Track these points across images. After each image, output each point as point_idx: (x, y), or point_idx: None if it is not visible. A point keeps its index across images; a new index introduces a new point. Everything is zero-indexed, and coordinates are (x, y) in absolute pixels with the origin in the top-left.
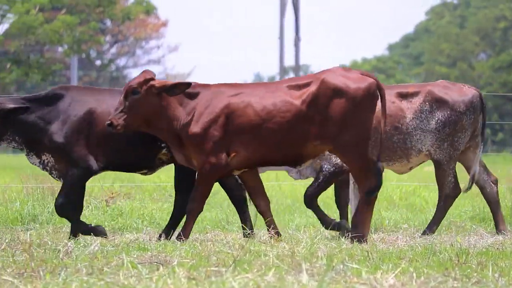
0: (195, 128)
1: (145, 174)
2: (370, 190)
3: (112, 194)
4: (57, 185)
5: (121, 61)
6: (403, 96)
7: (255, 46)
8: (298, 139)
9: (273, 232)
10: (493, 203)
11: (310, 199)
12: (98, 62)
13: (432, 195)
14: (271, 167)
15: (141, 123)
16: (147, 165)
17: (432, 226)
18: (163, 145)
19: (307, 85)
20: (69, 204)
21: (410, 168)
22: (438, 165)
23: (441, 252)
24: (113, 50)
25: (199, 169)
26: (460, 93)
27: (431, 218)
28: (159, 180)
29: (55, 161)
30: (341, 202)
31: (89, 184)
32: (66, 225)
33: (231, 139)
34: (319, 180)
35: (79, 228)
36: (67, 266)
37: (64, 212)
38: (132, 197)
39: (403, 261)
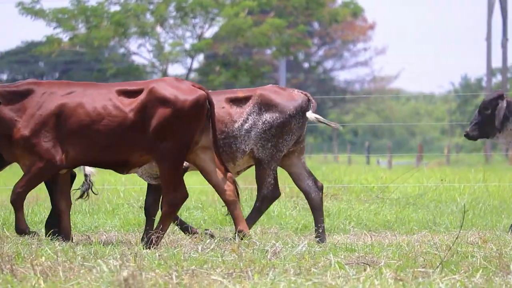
0: (26, 130)
1: None
2: (176, 201)
3: None
4: None
5: (329, 64)
6: (233, 100)
7: (462, 47)
8: (125, 146)
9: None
10: (317, 210)
11: None
12: (305, 65)
13: None
14: None
15: None
16: None
17: (249, 224)
18: None
19: (137, 92)
20: None
21: (238, 173)
22: (259, 164)
23: None
24: (321, 52)
25: (31, 166)
26: (290, 97)
27: None
28: (366, 181)
29: None
30: (150, 210)
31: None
32: (273, 226)
33: (62, 138)
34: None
35: None
36: (275, 267)
37: None
38: (339, 198)
39: None
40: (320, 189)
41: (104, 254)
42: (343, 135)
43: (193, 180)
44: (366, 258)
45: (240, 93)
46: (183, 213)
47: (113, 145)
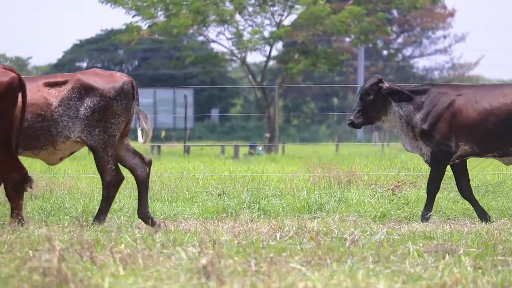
0: None
1: None
2: (17, 181)
3: (398, 182)
4: (343, 174)
5: (408, 51)
6: (51, 85)
7: None
8: None
9: None
10: (143, 187)
11: None
12: (384, 52)
13: None
14: None
15: None
16: None
17: (100, 216)
18: None
19: None
20: None
21: (61, 159)
22: (94, 151)
23: None
24: (400, 40)
25: None
26: (110, 80)
27: None
28: None
29: None
30: None
31: (374, 172)
32: (352, 214)
33: None
34: None
35: None
36: (354, 255)
37: None
38: (418, 186)
39: None
40: (148, 164)
41: (183, 241)
42: None
43: (271, 168)
44: (445, 246)
45: (60, 77)
46: (261, 201)
47: None
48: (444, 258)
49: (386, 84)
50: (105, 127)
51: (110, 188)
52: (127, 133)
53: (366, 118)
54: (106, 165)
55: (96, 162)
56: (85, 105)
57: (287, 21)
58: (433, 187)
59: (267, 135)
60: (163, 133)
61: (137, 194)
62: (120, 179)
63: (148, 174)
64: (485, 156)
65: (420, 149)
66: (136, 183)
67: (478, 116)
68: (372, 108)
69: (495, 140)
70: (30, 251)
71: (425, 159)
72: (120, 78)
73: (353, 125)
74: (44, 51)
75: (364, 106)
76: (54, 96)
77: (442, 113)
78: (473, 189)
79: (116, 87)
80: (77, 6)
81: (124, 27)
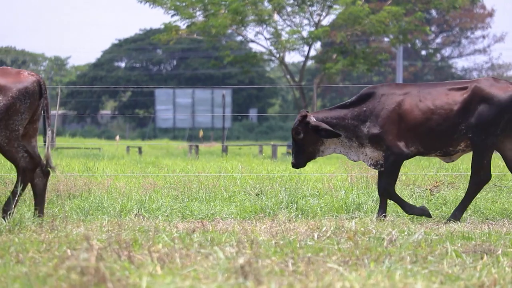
0: None
1: None
2: None
3: (436, 183)
4: None
5: (446, 51)
6: None
7: None
8: None
9: None
10: (39, 195)
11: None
12: (423, 52)
13: None
14: None
15: None
16: None
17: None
18: None
19: None
20: None
21: None
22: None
23: None
24: (438, 40)
25: None
26: (15, 79)
27: None
28: None
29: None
30: None
31: (412, 172)
32: (390, 214)
33: None
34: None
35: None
36: (391, 254)
37: None
38: (456, 186)
39: None
40: (46, 175)
41: (220, 241)
42: None
43: (309, 168)
44: (483, 246)
45: None
46: (299, 201)
47: None
48: (482, 258)
49: (312, 119)
50: (6, 124)
51: (27, 172)
52: (34, 133)
53: (305, 155)
54: (16, 155)
55: (5, 157)
56: None
57: (325, 21)
58: (387, 192)
59: None
60: (201, 133)
61: (34, 201)
62: (36, 163)
63: (46, 185)
64: (428, 155)
65: (365, 154)
66: (33, 191)
67: (423, 115)
68: (307, 144)
69: (438, 139)
70: (68, 250)
71: (369, 163)
72: (26, 78)
73: (295, 166)
74: (83, 50)
75: (299, 146)
76: None
77: (389, 115)
78: (511, 190)
79: (19, 87)
80: (116, 6)
81: (162, 26)
